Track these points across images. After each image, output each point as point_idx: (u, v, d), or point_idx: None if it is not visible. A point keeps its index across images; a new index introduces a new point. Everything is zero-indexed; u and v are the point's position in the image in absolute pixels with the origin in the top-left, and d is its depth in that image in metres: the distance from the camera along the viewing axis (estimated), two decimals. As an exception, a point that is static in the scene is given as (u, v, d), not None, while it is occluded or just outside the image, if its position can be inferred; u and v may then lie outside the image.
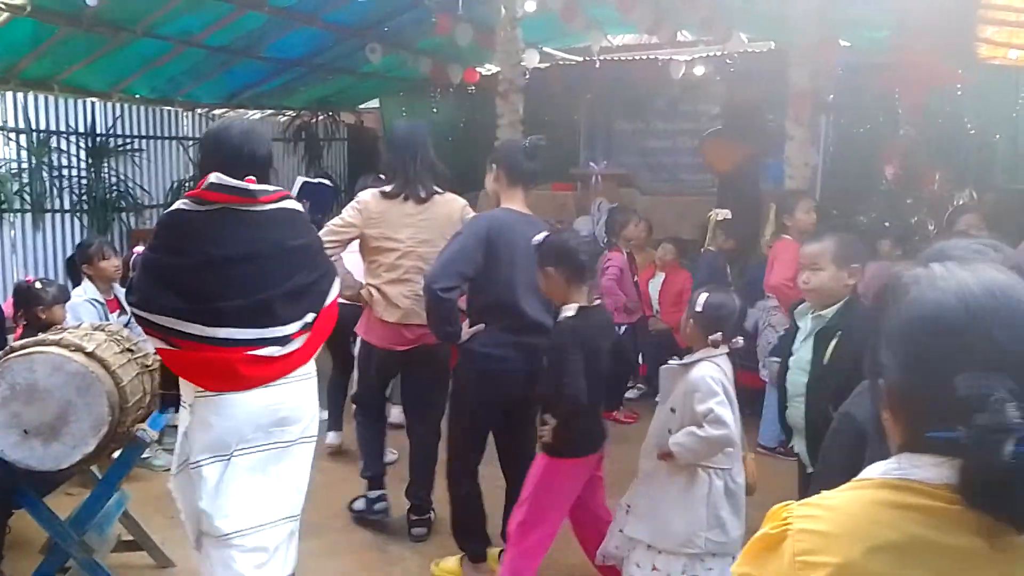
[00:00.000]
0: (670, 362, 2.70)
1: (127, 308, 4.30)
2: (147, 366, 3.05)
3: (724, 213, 5.14)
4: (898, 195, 5.37)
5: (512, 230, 3.01)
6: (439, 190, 3.39)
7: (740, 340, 2.66)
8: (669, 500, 2.54)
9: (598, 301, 2.93)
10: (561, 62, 8.86)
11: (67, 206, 6.03)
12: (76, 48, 5.58)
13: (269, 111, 8.63)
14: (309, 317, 2.40)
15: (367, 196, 3.36)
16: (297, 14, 6.26)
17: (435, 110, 9.59)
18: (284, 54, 7.02)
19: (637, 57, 8.55)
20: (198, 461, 2.33)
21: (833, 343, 2.53)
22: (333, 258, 2.96)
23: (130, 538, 3.29)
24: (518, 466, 3.01)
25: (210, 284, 2.27)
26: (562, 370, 2.63)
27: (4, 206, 5.47)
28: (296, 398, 2.42)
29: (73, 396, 2.63)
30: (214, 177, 2.26)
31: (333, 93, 8.51)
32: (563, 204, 7.39)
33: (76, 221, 6.08)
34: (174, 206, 2.31)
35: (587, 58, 8.52)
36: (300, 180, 5.63)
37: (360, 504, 3.59)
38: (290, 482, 2.44)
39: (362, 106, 9.65)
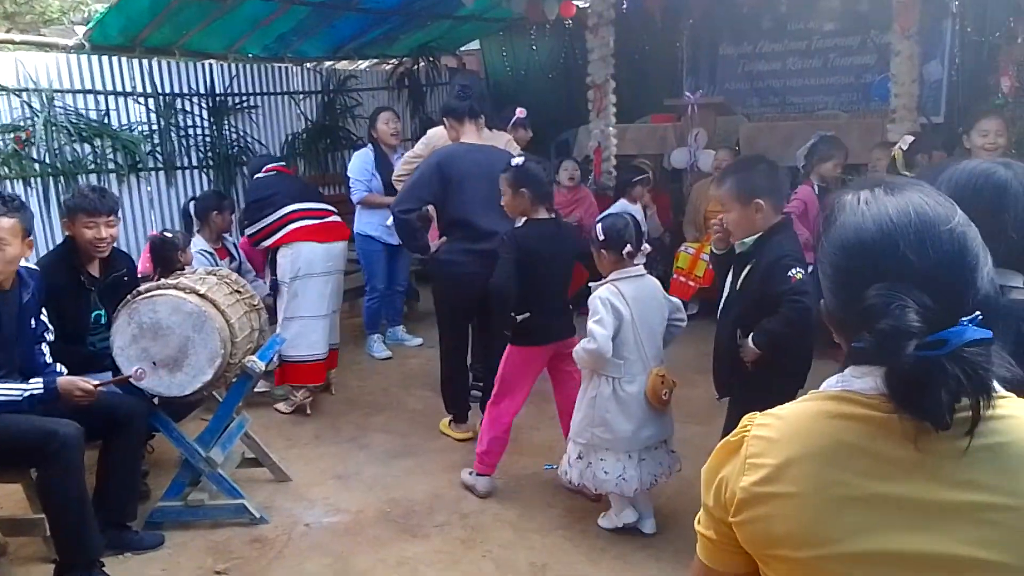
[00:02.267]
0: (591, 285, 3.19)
1: (235, 255, 4.76)
2: (254, 305, 3.41)
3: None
4: (1015, 108, 4.99)
5: (463, 159, 3.80)
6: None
7: (647, 247, 3.18)
8: (578, 399, 3.17)
9: (552, 215, 3.43)
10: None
11: (195, 163, 6.55)
12: (191, 15, 5.98)
13: (373, 60, 8.91)
14: None
15: None
16: (391, -37, 6.42)
17: (534, 48, 9.57)
18: (381, 4, 7.20)
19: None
20: None
21: (745, 271, 2.71)
22: None
23: (252, 456, 3.72)
24: (491, 356, 3.74)
25: None
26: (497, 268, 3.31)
27: (140, 165, 6.03)
28: None
29: (191, 332, 3.00)
30: None
31: (433, 38, 8.66)
32: (664, 136, 7.31)
33: (203, 176, 6.60)
34: None
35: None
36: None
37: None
38: None
39: (463, 48, 9.75)
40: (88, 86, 5.71)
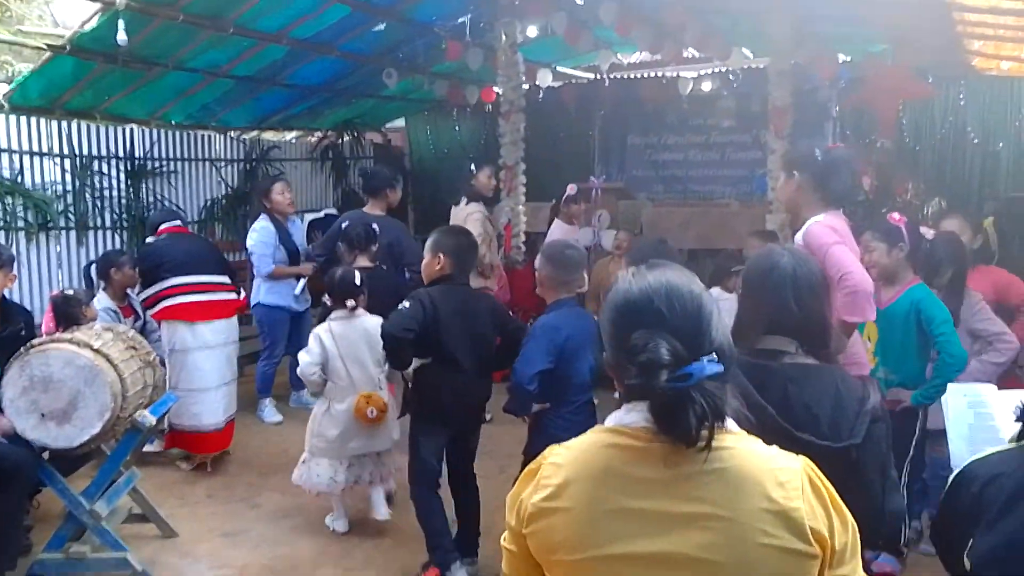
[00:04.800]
0: None
1: (139, 313, 4.83)
2: (149, 361, 3.52)
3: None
4: (875, 205, 5.58)
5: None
6: None
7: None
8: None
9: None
10: (574, 80, 9.22)
11: (108, 224, 6.62)
12: (114, 81, 6.15)
13: (298, 132, 9.19)
14: None
15: None
16: (315, 45, 6.75)
17: (457, 128, 10.03)
18: (307, 81, 7.52)
19: (646, 75, 8.85)
20: None
21: None
22: None
23: (140, 512, 3.76)
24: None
25: None
26: None
27: (50, 224, 6.07)
28: None
29: (82, 386, 3.10)
30: None
31: (358, 115, 9.02)
32: (575, 215, 7.75)
33: (118, 237, 6.67)
34: None
35: (599, 76, 8.87)
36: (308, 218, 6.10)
37: None
38: None
39: (389, 125, 10.15)
40: (3, 145, 5.78)
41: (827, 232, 2.71)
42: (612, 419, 1.29)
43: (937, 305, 3.19)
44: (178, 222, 4.93)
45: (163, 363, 4.59)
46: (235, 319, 4.83)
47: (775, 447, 1.26)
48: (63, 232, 6.23)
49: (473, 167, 5.80)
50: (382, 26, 6.75)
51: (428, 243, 3.38)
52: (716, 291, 5.96)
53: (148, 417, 3.33)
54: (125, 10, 5.07)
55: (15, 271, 3.53)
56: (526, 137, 7.21)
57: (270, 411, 5.58)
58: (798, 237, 2.84)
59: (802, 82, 6.58)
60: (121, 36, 5.02)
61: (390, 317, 3.18)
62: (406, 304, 3.18)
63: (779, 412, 1.84)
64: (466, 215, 5.57)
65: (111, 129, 6.69)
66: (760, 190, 6.22)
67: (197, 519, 3.95)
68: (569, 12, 6.84)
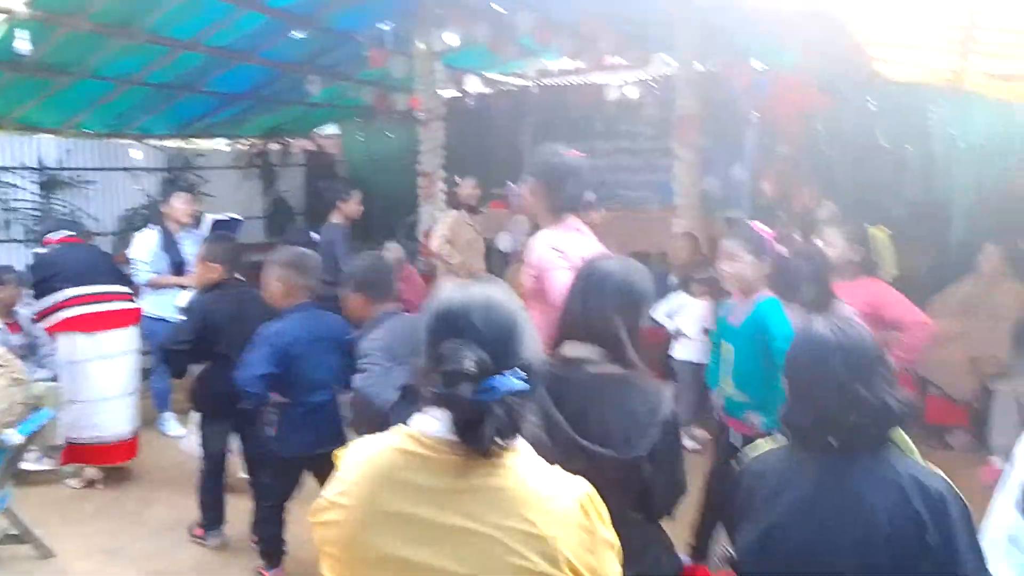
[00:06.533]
0: None
1: (27, 330, 4.74)
2: (16, 379, 3.47)
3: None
4: (772, 209, 5.72)
5: None
6: None
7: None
8: None
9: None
10: (504, 88, 9.28)
11: (19, 236, 6.50)
12: (22, 90, 6.03)
13: (223, 140, 9.11)
14: None
15: None
16: (234, 52, 6.69)
17: (390, 135, 10.01)
18: (229, 88, 7.45)
19: (574, 82, 8.94)
20: None
21: None
22: None
23: (15, 532, 3.70)
24: None
25: None
26: None
27: (-45, 237, 5.95)
28: None
29: (-61, 405, 3.04)
30: None
31: (285, 122, 8.96)
32: (498, 221, 7.82)
33: (27, 251, 6.54)
34: None
35: (532, 82, 8.94)
36: (210, 218, 6.04)
37: None
38: None
39: (323, 131, 10.10)
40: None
41: (552, 256, 2.68)
42: (415, 423, 1.31)
43: (780, 321, 2.91)
44: (70, 232, 4.82)
45: (55, 379, 4.55)
46: (134, 328, 4.75)
47: (558, 469, 1.30)
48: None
49: (457, 178, 5.94)
50: (303, 34, 6.71)
51: (200, 253, 3.83)
52: (683, 296, 5.50)
53: (14, 435, 3.28)
54: (29, 20, 4.98)
55: None
56: (454, 144, 7.23)
57: (173, 424, 5.48)
58: (530, 243, 2.82)
59: (720, 91, 6.71)
60: (23, 45, 4.94)
61: (168, 333, 3.74)
62: (183, 318, 3.64)
63: (574, 424, 1.89)
64: (450, 219, 5.57)
65: (22, 139, 6.57)
66: (668, 197, 6.33)
67: (80, 537, 3.89)
68: (491, 21, 6.89)
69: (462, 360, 1.20)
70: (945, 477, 1.66)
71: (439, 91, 7.18)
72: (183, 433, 5.40)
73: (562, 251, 2.69)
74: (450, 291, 1.35)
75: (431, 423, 1.27)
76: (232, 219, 6.08)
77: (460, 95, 8.65)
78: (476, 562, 1.19)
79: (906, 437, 1.73)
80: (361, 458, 1.30)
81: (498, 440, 1.20)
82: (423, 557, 1.21)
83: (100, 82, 6.42)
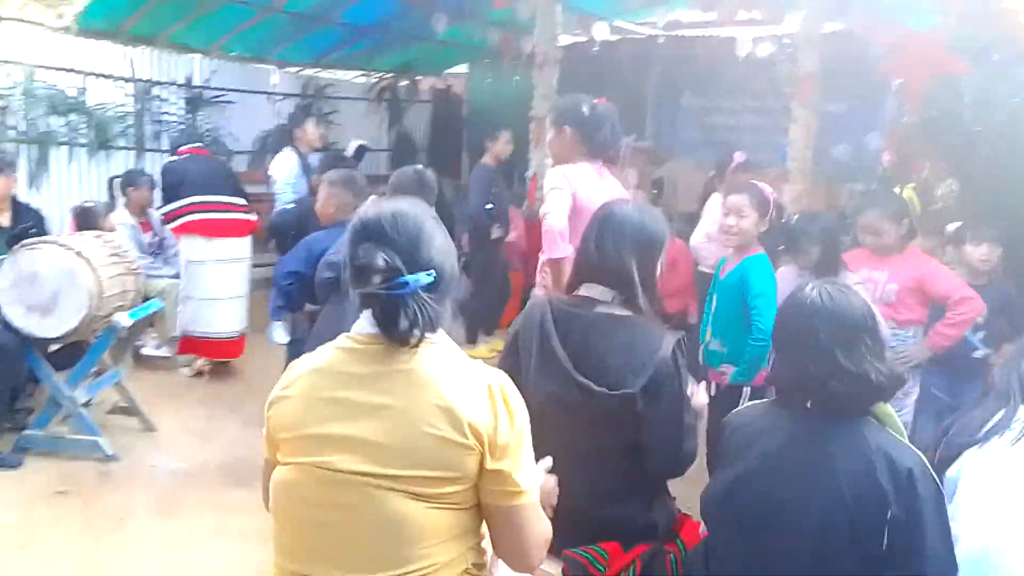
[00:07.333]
0: None
1: (157, 229, 5.26)
2: (132, 269, 3.89)
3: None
4: (891, 182, 5.38)
5: None
6: None
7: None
8: None
9: None
10: (631, 35, 9.09)
11: (165, 147, 7.10)
12: (173, 10, 6.54)
13: (357, 72, 9.46)
14: None
15: None
16: (366, -18, 6.94)
17: (517, 78, 10.05)
18: (360, 20, 7.74)
19: (703, 34, 8.64)
20: None
21: None
22: None
23: (126, 404, 4.20)
24: None
25: None
26: None
27: (110, 144, 6.59)
28: None
29: (62, 283, 3.49)
30: None
31: (415, 59, 9.19)
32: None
33: (170, 159, 7.17)
34: None
35: (660, 33, 8.71)
36: (355, 143, 6.56)
37: None
38: None
39: (452, 70, 10.27)
40: (69, 65, 6.28)
41: (558, 179, 2.95)
42: (354, 327, 1.49)
43: (763, 275, 2.99)
44: (197, 144, 5.31)
45: (177, 276, 5.05)
46: (248, 239, 5.19)
47: (480, 363, 1.47)
48: (122, 152, 6.75)
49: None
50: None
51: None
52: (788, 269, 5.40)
53: (125, 319, 3.71)
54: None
55: (15, 175, 3.95)
56: (570, 91, 7.19)
57: (280, 332, 5.94)
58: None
59: (856, 51, 6.32)
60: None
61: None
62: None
63: (573, 357, 1.98)
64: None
65: (172, 57, 7.12)
66: (782, 158, 6.08)
67: (180, 418, 4.37)
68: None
69: (373, 259, 1.36)
70: (922, 456, 1.63)
71: (559, 34, 7.12)
72: (288, 340, 5.88)
73: (567, 176, 2.92)
74: (366, 207, 1.52)
75: (361, 323, 1.46)
76: (361, 146, 6.57)
77: (582, 40, 8.54)
78: (397, 432, 1.38)
79: (892, 412, 1.71)
80: (308, 359, 1.51)
81: (414, 331, 1.36)
82: (354, 431, 1.39)
83: (242, 7, 6.85)
